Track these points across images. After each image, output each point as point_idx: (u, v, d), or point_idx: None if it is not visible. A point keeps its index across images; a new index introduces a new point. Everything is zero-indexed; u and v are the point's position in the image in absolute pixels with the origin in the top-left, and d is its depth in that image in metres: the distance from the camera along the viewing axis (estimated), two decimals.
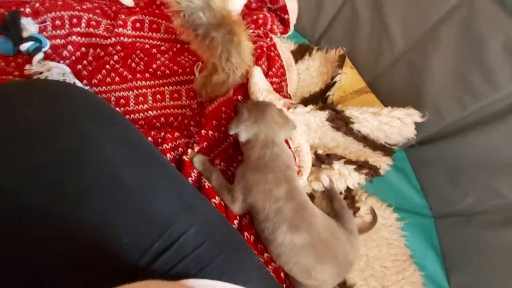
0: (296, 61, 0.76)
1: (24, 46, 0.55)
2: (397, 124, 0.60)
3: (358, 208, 0.57)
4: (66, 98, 0.33)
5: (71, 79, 0.54)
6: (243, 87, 0.64)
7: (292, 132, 0.53)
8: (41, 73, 0.53)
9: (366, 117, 0.60)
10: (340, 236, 0.45)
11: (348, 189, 0.59)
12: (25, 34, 0.55)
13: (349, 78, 0.73)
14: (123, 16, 0.64)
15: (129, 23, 0.64)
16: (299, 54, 0.77)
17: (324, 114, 0.59)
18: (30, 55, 0.55)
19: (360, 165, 0.59)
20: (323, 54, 0.78)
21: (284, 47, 0.76)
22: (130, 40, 0.63)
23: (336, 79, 0.71)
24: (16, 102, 0.31)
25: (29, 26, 0.57)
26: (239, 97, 0.60)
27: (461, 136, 0.58)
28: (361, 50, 0.73)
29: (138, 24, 0.65)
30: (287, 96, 0.67)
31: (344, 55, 0.76)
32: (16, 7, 0.60)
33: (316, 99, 0.72)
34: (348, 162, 0.60)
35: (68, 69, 0.56)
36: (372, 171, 0.60)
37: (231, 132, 0.47)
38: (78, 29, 0.61)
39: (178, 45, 0.67)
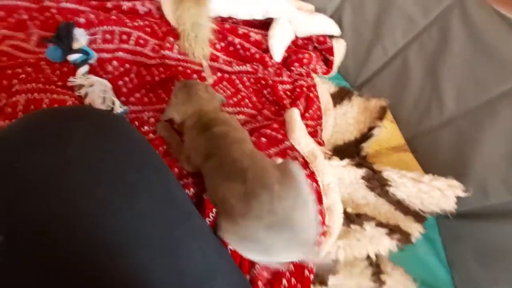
0: (335, 105, 0.73)
1: (72, 57, 0.55)
2: (437, 195, 0.56)
3: (384, 283, 0.52)
4: (111, 137, 0.31)
5: (111, 96, 0.53)
6: (282, 123, 0.62)
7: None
8: (82, 85, 0.53)
9: (405, 182, 0.56)
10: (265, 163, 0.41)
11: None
12: (75, 46, 0.56)
13: (388, 132, 0.69)
14: (171, 39, 0.64)
15: (176, 46, 0.64)
16: (338, 98, 0.75)
17: (360, 171, 0.56)
18: (76, 66, 0.56)
19: (392, 230, 0.55)
20: (363, 101, 0.76)
21: (324, 88, 0.74)
22: (174, 63, 0.63)
23: (374, 131, 0.68)
24: (64, 135, 0.29)
25: (81, 37, 0.57)
26: None
27: (502, 220, 0.53)
28: (406, 105, 0.69)
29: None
30: (320, 142, 0.64)
31: (386, 107, 0.73)
32: (72, 15, 0.61)
33: (349, 148, 0.69)
34: (379, 224, 0.56)
35: (109, 85, 0.55)
36: (403, 237, 0.55)
37: (165, 118, 0.52)
38: (126, 45, 0.61)
39: (219, 73, 0.67)
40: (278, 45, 0.69)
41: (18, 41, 0.56)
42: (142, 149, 0.33)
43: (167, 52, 0.63)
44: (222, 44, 0.69)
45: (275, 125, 0.60)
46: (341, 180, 0.56)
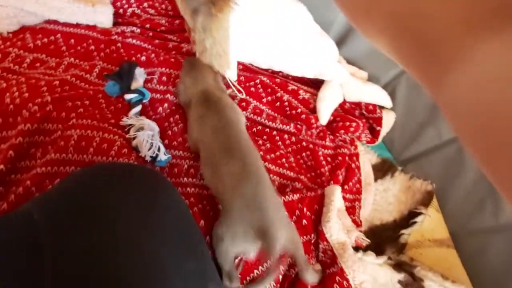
0: (376, 179, 0.69)
1: (129, 96, 0.56)
2: None
3: None
4: (153, 203, 0.32)
5: (158, 142, 0.53)
6: (316, 200, 0.59)
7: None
8: (131, 125, 0.54)
9: None
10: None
11: None
12: (133, 85, 0.57)
13: (432, 222, 0.64)
14: None
15: None
16: (380, 171, 0.71)
17: (398, 276, 0.51)
18: (130, 104, 0.57)
19: None
20: (407, 179, 0.71)
21: (367, 159, 0.71)
22: None
23: (417, 219, 0.63)
24: (112, 211, 0.30)
25: (140, 77, 0.59)
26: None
27: None
28: (456, 197, 0.64)
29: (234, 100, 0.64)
30: (357, 222, 0.60)
31: (433, 192, 0.68)
32: (135, 52, 0.64)
33: (387, 231, 0.64)
34: None
35: (157, 129, 0.56)
36: None
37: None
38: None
39: (259, 126, 0.65)
40: (326, 109, 0.67)
41: (82, 71, 0.59)
42: (181, 218, 0.33)
43: None
44: (269, 98, 0.68)
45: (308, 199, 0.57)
46: (375, 278, 0.51)
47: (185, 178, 0.54)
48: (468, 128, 0.12)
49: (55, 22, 0.63)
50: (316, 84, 0.74)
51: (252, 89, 0.67)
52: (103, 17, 0.65)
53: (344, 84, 0.71)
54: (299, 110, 0.68)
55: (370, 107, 0.73)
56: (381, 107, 0.73)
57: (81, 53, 0.61)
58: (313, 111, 0.70)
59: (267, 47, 0.67)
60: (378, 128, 0.73)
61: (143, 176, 0.35)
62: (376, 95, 0.71)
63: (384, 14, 0.14)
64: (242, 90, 0.66)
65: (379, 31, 0.15)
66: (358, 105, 0.74)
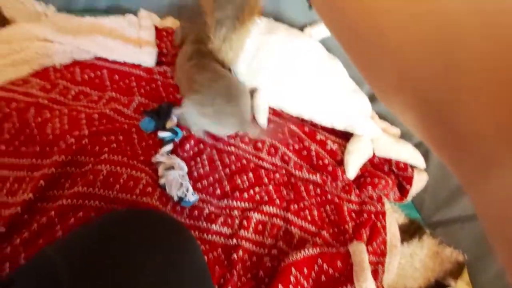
0: (402, 241, 0.64)
1: (163, 134, 0.58)
2: None
3: None
4: (178, 261, 0.31)
5: (187, 183, 0.53)
6: (338, 257, 0.55)
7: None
8: (161, 162, 0.55)
9: None
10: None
11: None
12: (168, 124, 0.59)
13: None
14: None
15: (252, 140, 0.64)
16: (407, 233, 0.66)
17: None
18: (162, 142, 0.58)
19: None
20: (436, 244, 0.65)
21: (393, 219, 0.67)
22: (245, 155, 0.63)
23: None
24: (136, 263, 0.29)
25: (175, 117, 0.61)
26: None
27: None
28: (489, 274, 0.58)
29: (259, 144, 0.64)
30: None
31: (464, 264, 0.61)
32: (173, 91, 0.67)
33: None
34: None
35: (186, 169, 0.56)
36: None
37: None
38: None
39: (285, 178, 0.64)
40: (354, 163, 0.66)
41: (121, 105, 0.61)
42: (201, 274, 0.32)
43: (242, 144, 0.63)
44: (297, 146, 0.68)
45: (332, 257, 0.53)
46: None
47: (204, 223, 0.53)
48: (502, 235, 0.11)
49: (104, 59, 0.68)
50: (345, 135, 0.73)
51: (280, 135, 0.67)
52: (148, 57, 0.70)
53: (375, 139, 0.69)
54: (326, 161, 0.66)
55: (401, 164, 0.70)
56: (413, 166, 0.71)
57: (123, 88, 0.65)
58: (341, 163, 0.68)
59: (299, 96, 0.68)
60: (407, 187, 0.69)
61: (171, 231, 0.35)
62: (408, 154, 0.69)
63: (415, 92, 0.13)
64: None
65: (408, 107, 0.14)
66: (388, 161, 0.72)
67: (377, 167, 0.72)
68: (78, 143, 0.51)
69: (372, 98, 0.73)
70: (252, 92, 0.71)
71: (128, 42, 0.69)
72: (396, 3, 0.15)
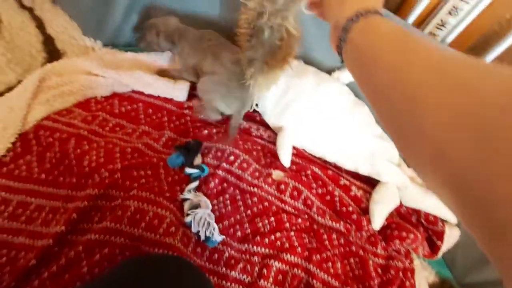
0: None
1: (189, 170, 0.59)
2: None
3: None
4: None
5: (213, 223, 0.54)
6: None
7: None
8: (187, 199, 0.56)
9: None
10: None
11: None
12: (196, 161, 0.61)
13: None
14: (272, 171, 0.66)
15: (275, 183, 0.64)
16: None
17: None
18: (189, 179, 0.59)
19: None
20: None
21: (423, 277, 0.62)
22: (268, 196, 0.62)
23: None
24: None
25: (201, 154, 0.63)
26: None
27: None
28: None
29: (282, 186, 0.64)
30: None
31: None
32: (200, 126, 0.69)
33: None
34: None
35: (210, 207, 0.57)
36: None
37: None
38: (228, 165, 0.64)
39: (307, 223, 0.62)
40: (380, 213, 0.63)
41: (152, 139, 0.64)
42: None
43: (265, 185, 0.63)
44: (320, 190, 0.66)
45: None
46: None
47: (223, 268, 0.52)
48: None
49: (141, 92, 0.72)
50: (370, 181, 0.71)
51: (304, 178, 0.67)
52: (180, 93, 0.73)
53: (402, 188, 0.67)
54: (350, 209, 0.64)
55: (431, 217, 0.66)
56: (444, 220, 0.66)
57: (155, 122, 0.68)
58: (366, 211, 0.66)
59: (323, 138, 0.68)
60: (438, 242, 0.65)
61: (193, 281, 0.35)
62: (438, 206, 0.65)
63: (452, 171, 0.12)
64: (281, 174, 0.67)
65: (444, 184, 0.13)
66: (416, 211, 0.69)
67: (405, 217, 0.68)
68: (111, 177, 0.53)
69: None
70: (277, 130, 0.72)
71: (163, 78, 0.74)
72: (432, 75, 0.15)
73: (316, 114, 0.68)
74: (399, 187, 0.67)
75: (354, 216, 0.64)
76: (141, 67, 0.77)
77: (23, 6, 0.81)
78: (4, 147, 0.55)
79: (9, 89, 0.67)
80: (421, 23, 0.65)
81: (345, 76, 0.72)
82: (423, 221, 0.67)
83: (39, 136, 0.58)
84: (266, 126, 0.75)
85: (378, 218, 0.63)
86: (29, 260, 0.44)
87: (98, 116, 0.65)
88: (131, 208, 0.50)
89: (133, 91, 0.73)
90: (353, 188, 0.68)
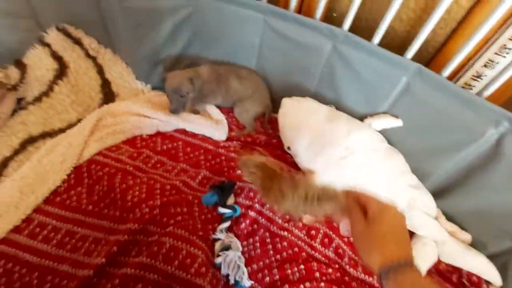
0: None
1: (223, 210, 0.61)
2: None
3: None
4: None
5: (243, 267, 0.54)
6: None
7: None
8: (219, 239, 0.57)
9: None
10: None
11: None
12: (229, 201, 0.63)
13: None
14: (303, 215, 0.65)
15: (306, 226, 0.63)
16: None
17: None
18: (222, 218, 0.61)
19: None
20: None
21: None
22: (298, 242, 0.61)
23: None
24: None
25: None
26: None
27: None
28: None
29: (313, 232, 0.63)
30: None
31: None
32: (234, 164, 0.72)
33: None
34: None
35: (240, 248, 0.57)
36: None
37: None
38: (258, 206, 0.64)
39: (338, 274, 0.60)
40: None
41: (189, 177, 0.68)
42: None
43: (295, 229, 0.63)
44: (352, 240, 0.64)
45: None
46: None
47: None
48: None
49: (181, 130, 0.78)
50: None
51: (335, 224, 0.65)
52: (218, 132, 0.79)
53: (440, 243, 0.63)
54: None
55: (474, 278, 0.61)
56: (488, 282, 0.61)
57: (193, 161, 0.73)
58: None
59: (356, 186, 0.68)
60: None
61: None
62: (480, 266, 0.60)
63: None
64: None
65: None
66: (457, 270, 0.63)
67: (444, 276, 0.63)
68: (150, 213, 0.57)
69: (438, 195, 0.68)
70: (308, 173, 0.73)
71: (206, 118, 0.81)
72: None
73: (348, 160, 0.69)
74: (437, 242, 0.63)
75: None
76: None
77: (88, 55, 0.95)
78: (60, 178, 0.62)
79: (70, 126, 0.77)
80: (456, 73, 0.66)
81: (378, 123, 0.73)
82: (465, 281, 0.62)
83: (91, 170, 0.64)
84: (297, 168, 0.76)
85: None
86: None
87: (143, 153, 0.71)
88: (167, 245, 0.52)
89: (175, 130, 0.79)
90: None
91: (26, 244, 0.52)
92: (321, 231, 0.64)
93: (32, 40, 0.92)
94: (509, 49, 0.57)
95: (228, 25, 0.81)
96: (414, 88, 0.66)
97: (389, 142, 0.73)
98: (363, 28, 0.76)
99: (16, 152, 0.68)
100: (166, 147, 0.75)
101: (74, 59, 0.93)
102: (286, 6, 0.76)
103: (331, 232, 0.64)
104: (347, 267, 0.60)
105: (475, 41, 0.57)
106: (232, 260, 0.53)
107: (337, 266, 0.61)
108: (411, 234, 0.66)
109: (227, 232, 0.59)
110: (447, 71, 0.63)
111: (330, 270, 0.60)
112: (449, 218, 0.68)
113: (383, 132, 0.73)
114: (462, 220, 0.67)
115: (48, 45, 0.93)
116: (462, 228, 0.66)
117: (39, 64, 0.90)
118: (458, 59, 0.61)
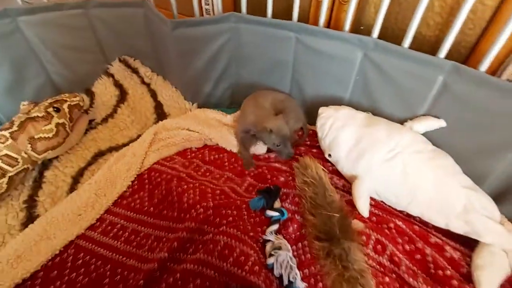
0: None
1: (270, 213, 0.63)
2: None
3: None
4: None
5: (295, 268, 0.54)
6: None
7: None
8: (269, 241, 0.58)
9: None
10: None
11: None
12: (276, 205, 0.65)
13: None
14: (351, 219, 0.64)
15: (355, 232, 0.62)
16: None
17: None
18: (270, 221, 0.63)
19: None
20: None
21: None
22: None
23: None
24: None
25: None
26: None
27: None
28: None
29: (363, 237, 0.61)
30: None
31: None
32: (277, 174, 0.75)
33: None
34: None
35: (290, 250, 0.57)
36: None
37: None
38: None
39: (397, 284, 0.56)
40: (489, 283, 0.54)
41: (236, 184, 0.72)
42: None
43: None
44: (408, 247, 0.61)
45: None
46: None
47: None
48: None
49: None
50: (467, 242, 0.62)
51: (387, 231, 0.63)
52: (260, 149, 0.83)
53: (510, 252, 0.57)
54: (448, 273, 0.56)
55: None
56: None
57: (237, 170, 0.77)
58: (467, 278, 0.56)
59: (403, 189, 0.65)
60: None
61: None
62: None
63: None
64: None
65: None
66: None
67: None
68: (205, 213, 0.60)
69: (498, 199, 0.63)
70: (351, 179, 0.73)
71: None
72: None
73: (392, 163, 0.67)
74: (506, 250, 0.57)
75: (455, 283, 0.55)
76: (226, 125, 0.92)
77: (143, 82, 1.09)
78: (127, 184, 0.69)
79: (131, 141, 0.87)
80: (495, 71, 0.64)
81: (419, 125, 0.71)
82: None
83: (151, 176, 0.71)
84: (339, 175, 0.76)
85: None
86: (138, 280, 0.50)
87: (193, 163, 0.77)
88: (221, 243, 0.55)
89: (218, 144, 0.85)
90: (447, 248, 0.61)
91: (100, 240, 0.58)
92: (372, 237, 0.62)
93: (99, 70, 1.08)
94: None
95: (263, 45, 0.88)
96: (452, 86, 0.65)
97: (435, 145, 0.70)
98: (391, 37, 0.78)
99: (89, 163, 0.78)
100: (213, 157, 0.80)
101: (132, 86, 1.07)
102: (315, 22, 0.81)
103: (383, 239, 0.62)
104: (406, 276, 0.57)
105: (506, 36, 0.56)
106: (284, 260, 0.53)
107: (394, 275, 0.58)
108: (474, 242, 0.61)
109: (276, 234, 0.60)
110: (483, 67, 0.62)
111: (387, 279, 0.57)
112: None
113: (426, 135, 0.72)
114: None
115: (112, 75, 1.09)
116: None
117: (105, 91, 1.05)
118: (492, 55, 0.59)
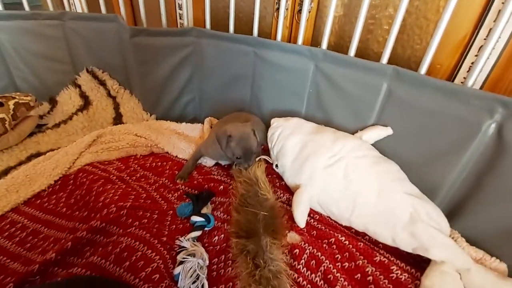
0: None
1: (195, 219, 0.57)
2: None
3: None
4: None
5: (203, 277, 0.46)
6: None
7: None
8: (183, 248, 0.50)
9: None
10: None
11: None
12: (204, 210, 0.58)
13: None
14: (286, 232, 0.57)
15: (289, 245, 0.54)
16: None
17: None
18: (193, 227, 0.56)
19: None
20: None
21: None
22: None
23: None
24: None
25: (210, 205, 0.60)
26: None
27: None
28: None
29: (296, 251, 0.53)
30: None
31: None
32: (216, 184, 0.69)
33: None
34: None
35: (207, 262, 0.50)
36: None
37: None
38: None
39: None
40: None
41: (168, 192, 0.66)
42: None
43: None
44: (346, 264, 0.53)
45: None
46: None
47: None
48: None
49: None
50: (419, 264, 0.54)
51: (325, 246, 0.55)
52: (210, 161, 0.78)
53: (464, 273, 0.48)
54: None
55: None
56: None
57: (173, 176, 0.71)
58: None
59: (346, 198, 0.59)
60: None
61: None
62: None
63: None
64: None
65: None
66: None
67: None
68: (117, 213, 0.54)
69: (451, 214, 0.56)
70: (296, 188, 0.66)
71: (192, 142, 0.82)
72: None
73: (334, 169, 0.62)
74: (459, 271, 0.49)
75: None
76: (177, 133, 0.89)
77: (109, 95, 1.09)
78: (47, 183, 0.64)
79: None
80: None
81: (368, 135, 0.67)
82: None
83: (77, 177, 0.66)
84: (286, 189, 0.70)
85: None
86: (6, 284, 0.42)
87: (130, 167, 0.72)
88: (122, 244, 0.47)
89: (167, 153, 0.81)
90: (394, 268, 0.52)
91: None
92: (307, 251, 0.54)
93: (67, 81, 1.09)
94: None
95: (224, 60, 0.90)
96: (396, 92, 0.63)
97: (384, 155, 0.66)
98: (344, 47, 0.79)
99: (21, 163, 0.74)
100: (156, 164, 0.75)
101: (98, 98, 1.07)
102: (275, 38, 0.83)
103: (319, 254, 0.53)
104: None
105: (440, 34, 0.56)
106: (192, 268, 0.45)
107: None
108: (426, 263, 0.52)
109: (194, 241, 0.52)
110: (423, 70, 0.60)
111: None
112: (473, 244, 0.54)
113: (376, 146, 0.67)
114: (489, 244, 0.52)
115: (79, 86, 1.09)
116: (492, 255, 0.51)
117: (68, 101, 1.05)
118: (429, 57, 0.58)
